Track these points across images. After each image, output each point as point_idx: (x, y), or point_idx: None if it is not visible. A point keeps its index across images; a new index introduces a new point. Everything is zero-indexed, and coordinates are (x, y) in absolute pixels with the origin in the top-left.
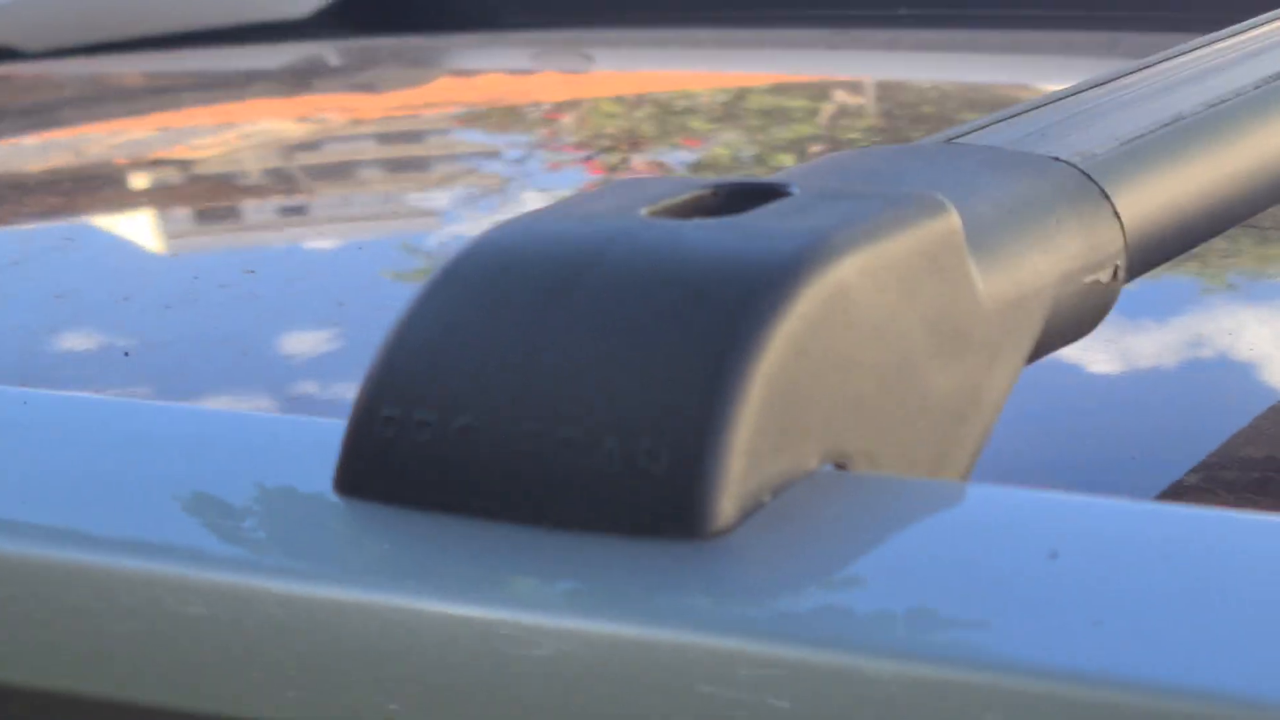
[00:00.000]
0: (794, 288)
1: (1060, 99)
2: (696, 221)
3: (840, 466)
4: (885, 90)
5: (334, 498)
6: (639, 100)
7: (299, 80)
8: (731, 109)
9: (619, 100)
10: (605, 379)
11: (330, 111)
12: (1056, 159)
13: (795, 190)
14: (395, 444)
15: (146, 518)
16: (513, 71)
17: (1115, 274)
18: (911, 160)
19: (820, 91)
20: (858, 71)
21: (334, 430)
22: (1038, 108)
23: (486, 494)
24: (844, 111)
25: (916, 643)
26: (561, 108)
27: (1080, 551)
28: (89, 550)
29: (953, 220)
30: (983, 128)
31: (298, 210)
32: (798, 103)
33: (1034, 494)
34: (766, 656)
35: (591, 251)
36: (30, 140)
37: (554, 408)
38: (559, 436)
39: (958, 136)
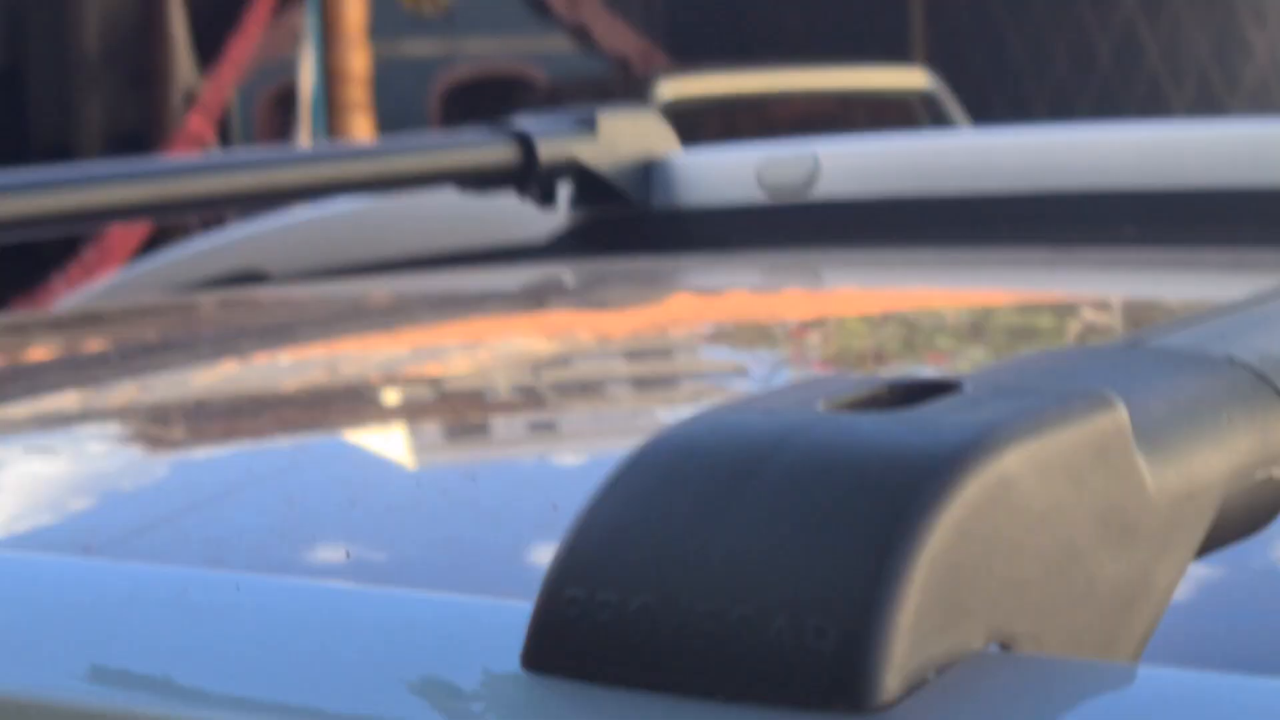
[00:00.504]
0: (957, 476)
1: (1245, 306)
2: (869, 415)
3: (1005, 647)
4: (1130, 308)
5: (522, 673)
6: (883, 318)
7: (537, 299)
8: (977, 326)
9: (863, 319)
10: (777, 561)
11: (569, 329)
12: (1231, 360)
13: (967, 387)
14: (578, 622)
15: (348, 696)
16: (751, 289)
17: None
18: (1088, 361)
19: (1065, 308)
20: (1090, 288)
21: (524, 611)
22: (1222, 314)
23: (663, 669)
24: (1090, 328)
25: None
26: (805, 326)
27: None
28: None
29: (1119, 416)
30: (1166, 332)
31: (538, 424)
32: (1043, 320)
33: (1197, 676)
34: None
35: (769, 443)
36: (269, 357)
37: (728, 588)
38: (732, 615)
39: (1140, 340)
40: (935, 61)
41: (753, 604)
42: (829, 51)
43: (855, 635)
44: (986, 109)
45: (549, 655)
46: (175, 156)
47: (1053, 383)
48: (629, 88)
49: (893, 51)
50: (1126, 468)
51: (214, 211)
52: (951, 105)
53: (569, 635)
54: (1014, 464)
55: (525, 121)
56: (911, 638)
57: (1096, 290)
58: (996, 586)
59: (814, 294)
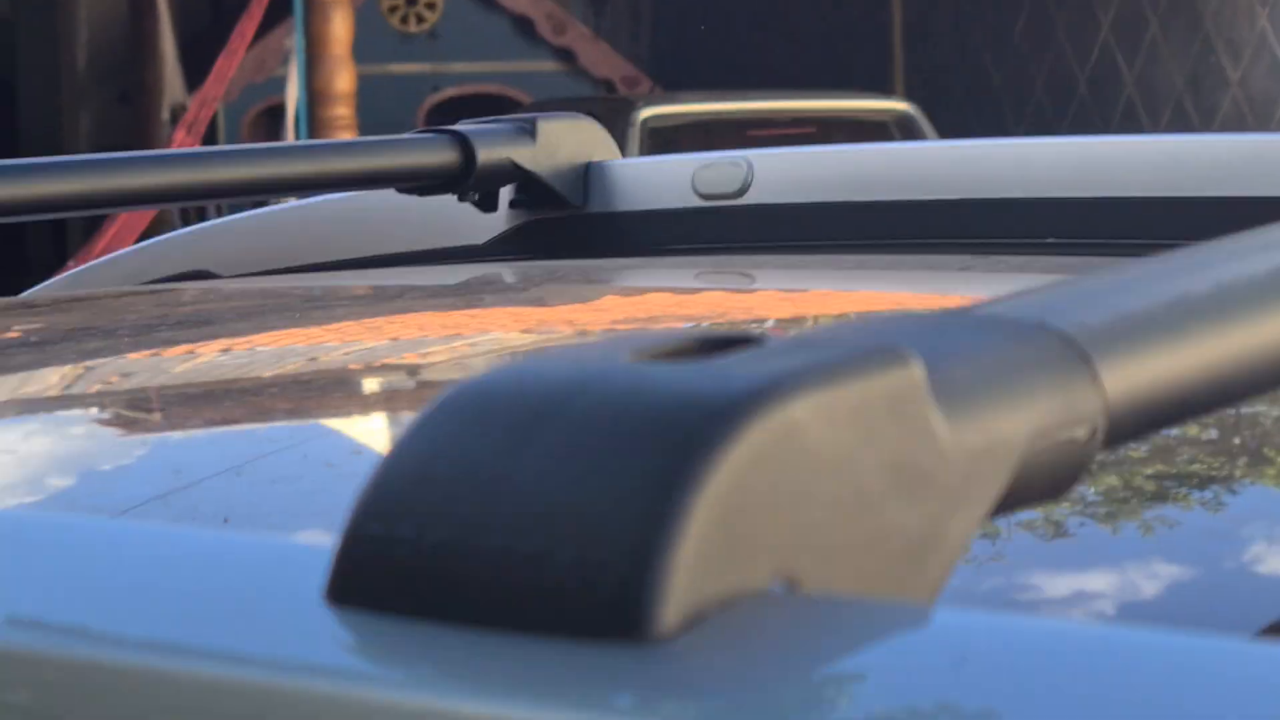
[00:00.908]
0: (740, 420)
1: (1073, 279)
2: (667, 365)
3: (791, 588)
4: None
5: (323, 606)
6: (794, 318)
7: (474, 294)
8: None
9: (778, 318)
10: (565, 500)
11: (492, 321)
12: (1042, 325)
13: (770, 342)
14: (377, 557)
15: (154, 626)
16: (675, 289)
17: (1093, 433)
18: (899, 324)
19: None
20: (1003, 289)
21: (330, 551)
22: (1049, 287)
23: (456, 602)
24: None
25: None
26: (718, 320)
27: (990, 663)
28: (111, 649)
29: (914, 371)
30: (989, 304)
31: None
32: None
33: (982, 616)
34: None
35: (568, 389)
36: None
37: (518, 525)
38: (521, 550)
39: (962, 311)
40: (915, 89)
41: (540, 540)
42: (811, 79)
43: (633, 570)
44: (967, 135)
45: (349, 589)
46: (118, 154)
47: (854, 340)
48: (612, 111)
49: (875, 80)
50: (920, 422)
51: (150, 206)
52: (927, 128)
53: (368, 569)
54: (801, 412)
55: (465, 126)
56: (691, 574)
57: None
58: (783, 529)
59: (734, 294)
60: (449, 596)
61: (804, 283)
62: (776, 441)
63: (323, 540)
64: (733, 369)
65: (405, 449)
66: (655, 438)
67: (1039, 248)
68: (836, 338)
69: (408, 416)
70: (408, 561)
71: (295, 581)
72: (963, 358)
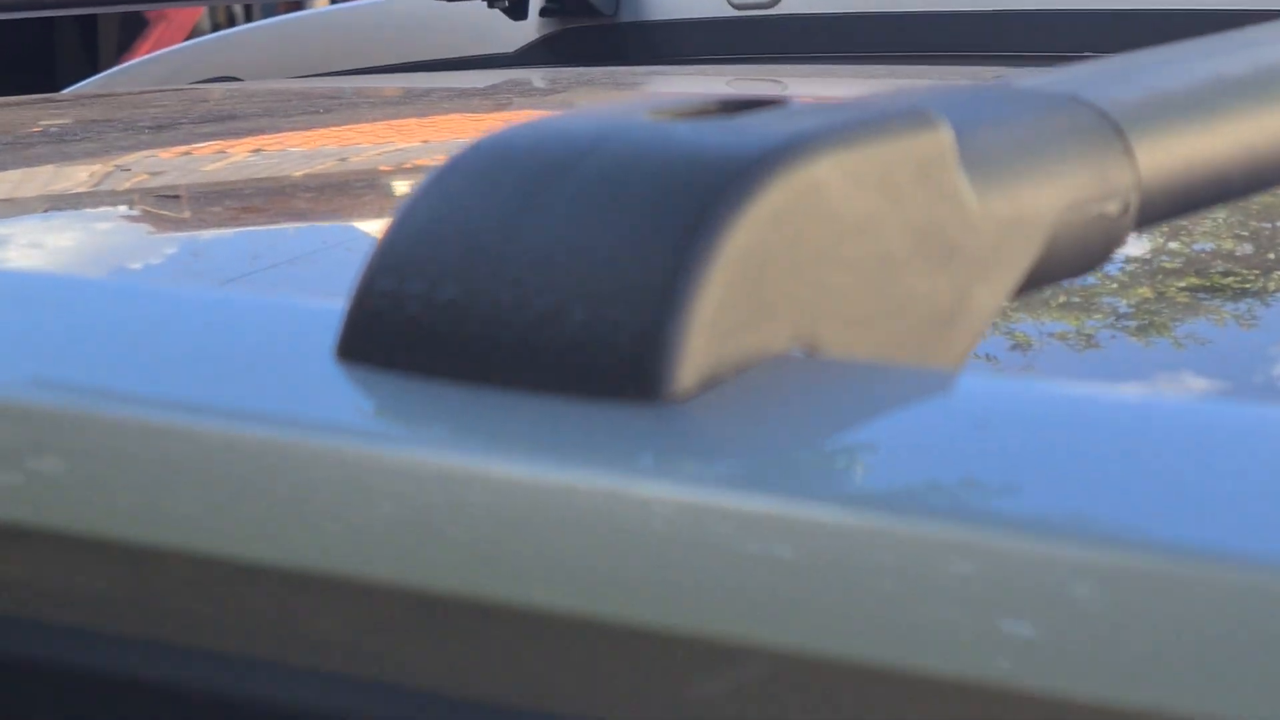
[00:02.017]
0: (763, 176)
1: (1109, 59)
2: (688, 122)
3: (811, 353)
4: None
5: (335, 364)
6: None
7: (504, 97)
8: None
9: None
10: (581, 256)
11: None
12: (1075, 98)
13: (793, 104)
14: (389, 314)
15: (169, 385)
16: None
17: (1126, 209)
18: (930, 94)
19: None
20: None
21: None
22: (1083, 66)
23: (468, 359)
24: None
25: (853, 496)
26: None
27: (1008, 424)
28: (125, 406)
29: (942, 136)
30: (1021, 77)
31: None
32: None
33: (1004, 382)
34: (697, 506)
35: (585, 145)
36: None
37: (532, 281)
38: (535, 307)
39: (993, 83)
40: None
41: (555, 297)
42: None
43: (649, 327)
44: None
45: (360, 346)
46: None
47: (881, 104)
48: None
49: None
50: (948, 187)
51: (179, 4)
52: None
53: (379, 326)
54: (825, 171)
55: None
56: (709, 334)
57: None
58: (805, 292)
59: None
60: (460, 354)
61: (838, 90)
62: (798, 200)
63: (331, 300)
64: (755, 127)
65: (418, 205)
66: (673, 193)
67: (1075, 60)
68: (863, 102)
69: None
70: (419, 318)
71: (306, 340)
72: (993, 126)
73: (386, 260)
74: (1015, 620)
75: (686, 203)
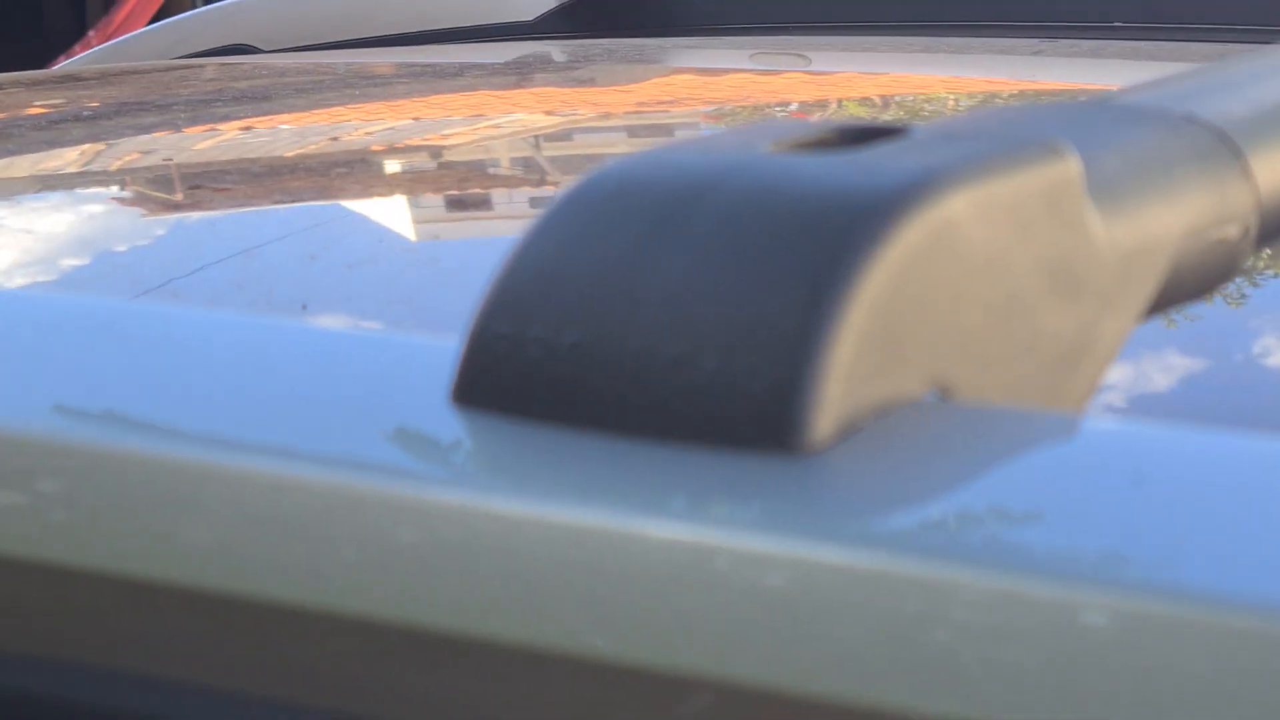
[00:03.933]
0: (899, 217)
1: (1210, 69)
2: (811, 156)
3: (944, 396)
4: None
5: (450, 409)
6: (884, 102)
7: (527, 74)
8: (974, 110)
9: (860, 101)
10: (711, 299)
11: (551, 102)
12: (1191, 117)
13: (916, 133)
14: (508, 358)
15: (278, 429)
16: (744, 69)
17: (1245, 232)
18: (1044, 114)
19: (1056, 95)
20: (1084, 77)
21: (455, 350)
22: (1186, 77)
23: (592, 407)
24: None
25: (997, 558)
26: (804, 106)
27: (1166, 479)
28: (227, 452)
29: (1071, 165)
30: (1130, 92)
31: (510, 190)
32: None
33: (1137, 426)
34: (839, 565)
35: (707, 181)
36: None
37: (660, 326)
38: (664, 354)
39: (1102, 99)
40: None
41: (685, 343)
42: None
43: (787, 376)
44: None
45: (477, 391)
46: None
47: (1005, 131)
48: None
49: None
50: (1076, 219)
51: None
52: None
53: (498, 371)
54: (959, 208)
55: None
56: (845, 381)
57: (1086, 79)
58: (937, 333)
59: (806, 76)
60: (585, 402)
61: (877, 65)
62: (933, 240)
63: (442, 339)
64: (884, 162)
65: (534, 243)
66: (805, 234)
67: (1108, 31)
68: (983, 130)
69: (480, 201)
70: (541, 363)
71: (419, 382)
72: (1112, 151)
73: (504, 301)
74: (1174, 698)
75: (820, 245)
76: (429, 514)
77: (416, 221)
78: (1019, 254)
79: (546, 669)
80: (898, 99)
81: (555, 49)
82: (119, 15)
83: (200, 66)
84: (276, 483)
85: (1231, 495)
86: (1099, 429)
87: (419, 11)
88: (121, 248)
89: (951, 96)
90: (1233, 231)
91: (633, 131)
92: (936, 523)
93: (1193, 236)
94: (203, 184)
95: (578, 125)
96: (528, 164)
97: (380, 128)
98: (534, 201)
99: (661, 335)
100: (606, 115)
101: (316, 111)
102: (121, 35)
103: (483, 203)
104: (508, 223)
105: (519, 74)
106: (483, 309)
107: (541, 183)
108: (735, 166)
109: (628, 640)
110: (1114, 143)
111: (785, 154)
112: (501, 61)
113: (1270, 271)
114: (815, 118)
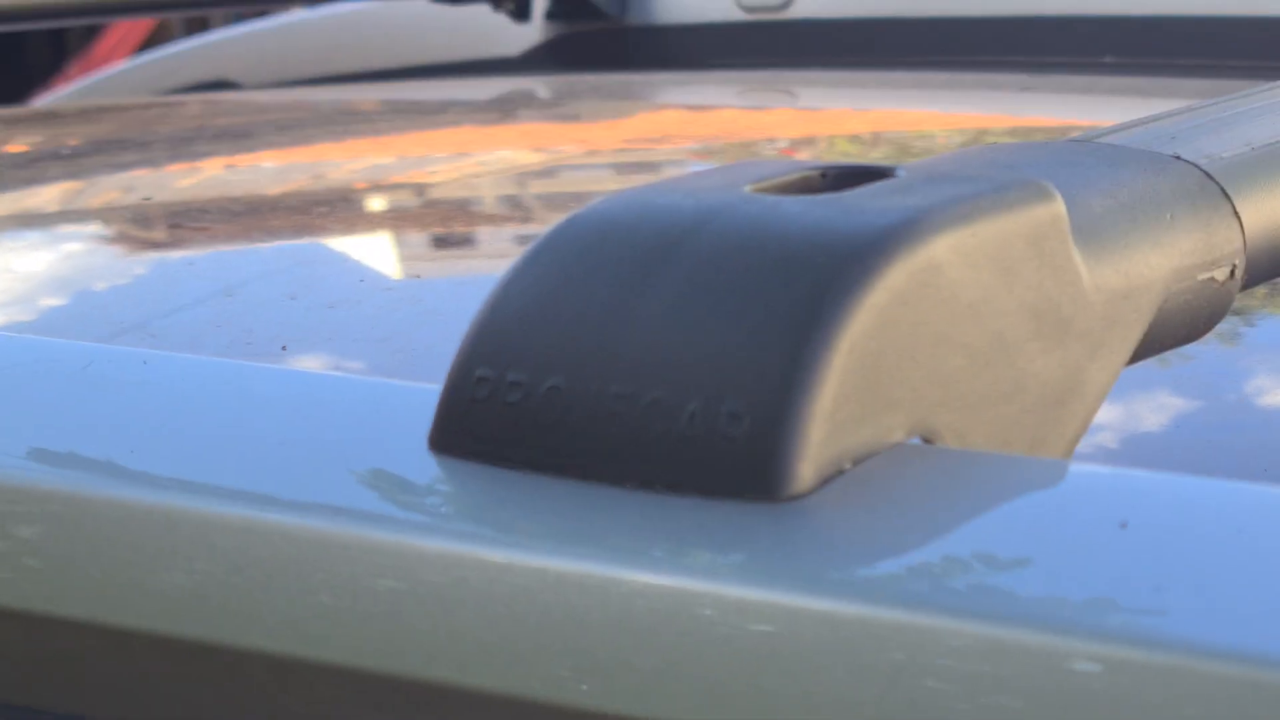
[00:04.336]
0: (883, 259)
1: (1197, 108)
2: (795, 198)
3: (928, 441)
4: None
5: (428, 455)
6: (874, 138)
7: (508, 110)
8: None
9: (853, 139)
10: (692, 344)
11: (537, 139)
12: (1178, 158)
13: (900, 173)
14: (487, 403)
15: (252, 474)
16: (727, 105)
17: (1232, 273)
18: (1029, 153)
19: (1043, 132)
20: (1069, 113)
21: (433, 394)
22: (1173, 115)
23: (572, 453)
24: None
25: (983, 606)
26: (796, 144)
27: (1150, 524)
28: (204, 498)
29: (1056, 207)
30: (1114, 131)
31: (493, 229)
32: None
33: (1122, 472)
34: (823, 613)
35: (689, 223)
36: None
37: (641, 371)
38: (645, 399)
39: (1086, 138)
40: None
41: (666, 388)
42: None
43: (770, 422)
44: None
45: (456, 436)
46: None
47: (989, 172)
48: None
49: None
50: (1062, 261)
51: (154, 13)
52: None
53: (477, 416)
54: (943, 250)
55: None
56: (829, 426)
57: (1076, 116)
58: (920, 377)
59: (795, 112)
60: (565, 447)
61: (864, 101)
62: (917, 282)
63: (421, 383)
64: (867, 203)
65: (514, 286)
66: (789, 277)
67: (1097, 67)
68: (968, 171)
69: (462, 240)
70: (520, 408)
71: (396, 428)
72: (1097, 191)
73: (484, 345)
74: None
75: (803, 289)
76: (408, 560)
77: (398, 260)
78: (1003, 297)
79: (527, 718)
80: (886, 135)
81: (540, 84)
82: (100, 49)
83: (181, 103)
84: (253, 529)
85: (1217, 541)
86: (1083, 474)
87: (402, 47)
88: (99, 287)
89: (940, 133)
90: (1220, 274)
91: (619, 169)
92: (920, 569)
93: (1180, 278)
94: (182, 223)
95: (562, 162)
96: (511, 202)
97: (362, 165)
98: (517, 240)
99: (642, 379)
100: (592, 152)
101: (298, 149)
102: (102, 69)
103: (465, 241)
104: (490, 262)
105: (503, 110)
106: (462, 352)
107: (525, 221)
108: (717, 208)
109: (609, 689)
110: (1100, 183)
111: (768, 195)
112: (485, 97)
113: (1259, 313)
114: (803, 154)
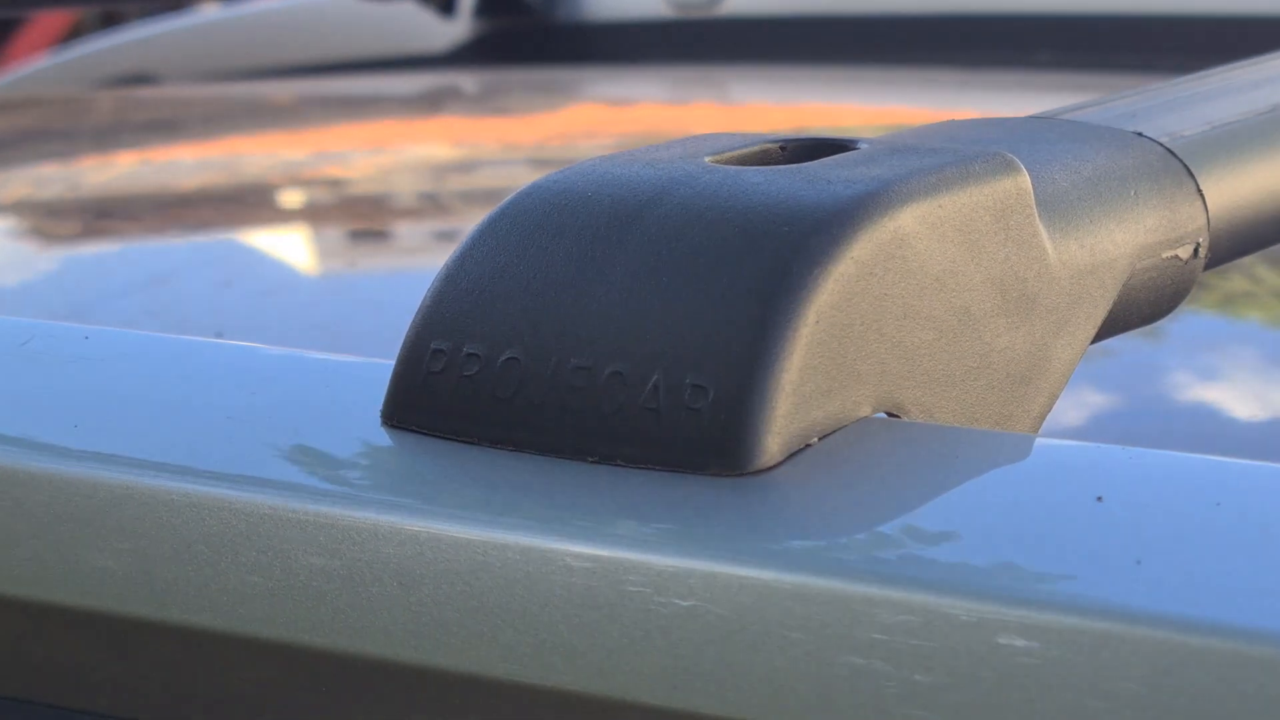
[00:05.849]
0: (850, 231)
1: (1155, 89)
2: (758, 168)
3: (894, 416)
4: None
5: (382, 430)
6: (798, 133)
7: (433, 105)
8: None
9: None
10: (654, 316)
11: (461, 134)
12: (1141, 134)
13: (863, 146)
14: (442, 376)
15: (203, 450)
16: (649, 100)
17: (1196, 251)
18: (992, 128)
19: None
20: (1002, 107)
21: (387, 369)
22: (1132, 95)
23: (531, 427)
24: None
25: (945, 576)
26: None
27: (1126, 499)
28: (152, 474)
29: (1022, 180)
30: (1074, 110)
31: (422, 220)
32: None
33: (1088, 446)
34: (791, 587)
35: (649, 193)
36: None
37: (601, 343)
38: (606, 371)
39: (1048, 114)
40: None
41: (627, 360)
42: None
43: (736, 394)
44: None
45: (410, 410)
46: None
47: (954, 146)
48: None
49: None
50: (1028, 235)
51: (70, 6)
52: None
53: (432, 390)
54: (910, 221)
55: None
56: (795, 399)
57: (1011, 110)
58: (887, 351)
59: (719, 107)
60: (523, 421)
61: (794, 95)
62: (883, 254)
63: (373, 359)
64: (832, 174)
65: (470, 256)
66: (753, 248)
67: (1032, 64)
68: (930, 144)
69: (392, 230)
70: (477, 381)
71: (347, 403)
72: (1061, 166)
73: (439, 317)
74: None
75: (769, 259)
76: (362, 536)
77: (332, 249)
78: (969, 270)
79: (482, 694)
80: (811, 131)
81: (466, 80)
82: (17, 47)
83: (104, 98)
84: (202, 505)
85: (1194, 515)
86: (1054, 448)
87: (328, 42)
88: (29, 278)
89: (867, 127)
90: (1184, 251)
91: (543, 164)
92: (888, 543)
93: (1144, 255)
94: (112, 212)
95: (487, 157)
96: (437, 195)
97: (290, 158)
98: (443, 233)
99: (602, 351)
100: (515, 146)
101: (225, 141)
102: (17, 65)
103: (395, 232)
104: (419, 253)
105: (429, 104)
106: (416, 324)
107: (450, 213)
108: (679, 178)
109: (571, 666)
110: (1063, 158)
111: (729, 166)
112: (411, 92)
113: (1221, 292)
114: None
